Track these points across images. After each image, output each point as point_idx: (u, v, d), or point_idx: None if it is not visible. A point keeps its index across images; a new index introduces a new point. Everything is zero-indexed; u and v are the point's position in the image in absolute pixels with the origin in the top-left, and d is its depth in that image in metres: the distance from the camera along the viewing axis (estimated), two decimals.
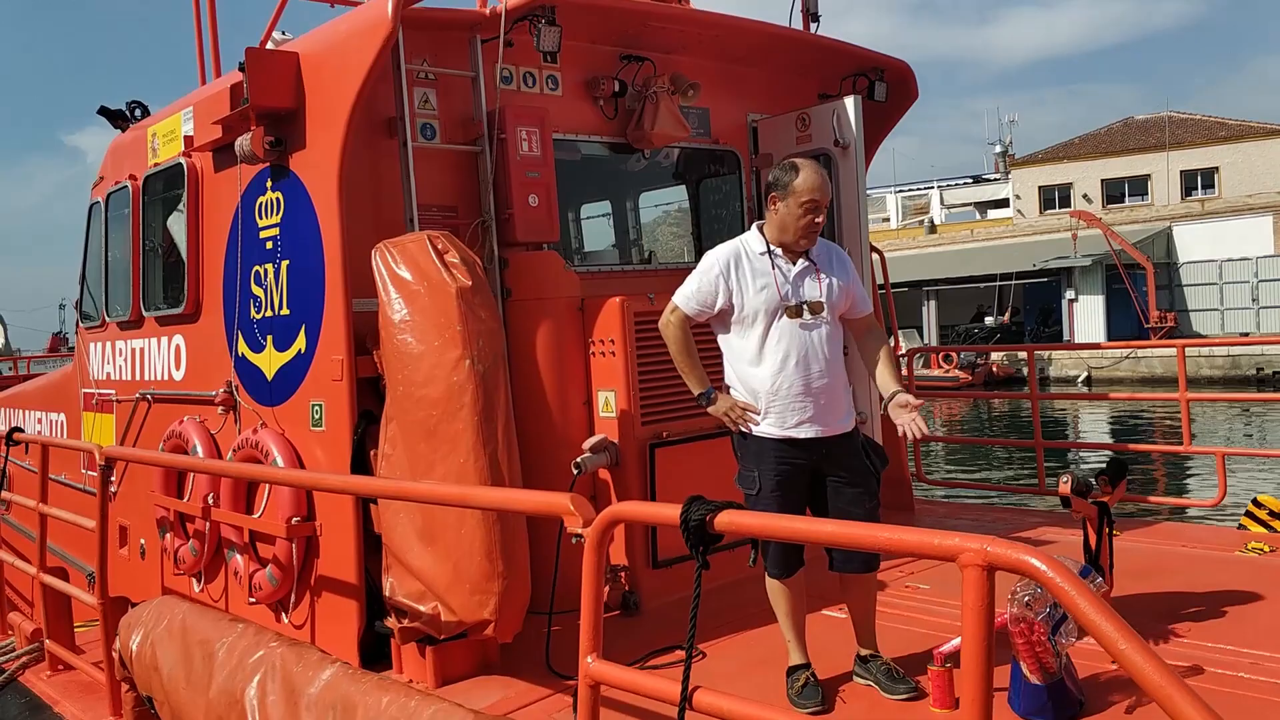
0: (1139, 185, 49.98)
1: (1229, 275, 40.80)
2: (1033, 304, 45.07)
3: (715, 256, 4.30)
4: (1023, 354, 39.72)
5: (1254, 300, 40.12)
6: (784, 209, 4.23)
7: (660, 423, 5.60)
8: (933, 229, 55.76)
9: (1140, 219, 45.18)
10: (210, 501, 5.89)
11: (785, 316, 4.17)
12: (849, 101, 6.53)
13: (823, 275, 4.24)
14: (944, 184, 63.98)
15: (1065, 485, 4.58)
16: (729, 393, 4.33)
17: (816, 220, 4.18)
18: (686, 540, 2.58)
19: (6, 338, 31.58)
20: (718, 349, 4.40)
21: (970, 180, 64.52)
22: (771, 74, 7.14)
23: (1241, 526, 7.30)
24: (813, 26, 7.06)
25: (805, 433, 4.17)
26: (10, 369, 16.86)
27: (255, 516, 5.64)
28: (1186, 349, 7.72)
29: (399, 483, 4.03)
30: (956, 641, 4.35)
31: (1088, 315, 41.27)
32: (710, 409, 4.31)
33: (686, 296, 4.32)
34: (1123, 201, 49.79)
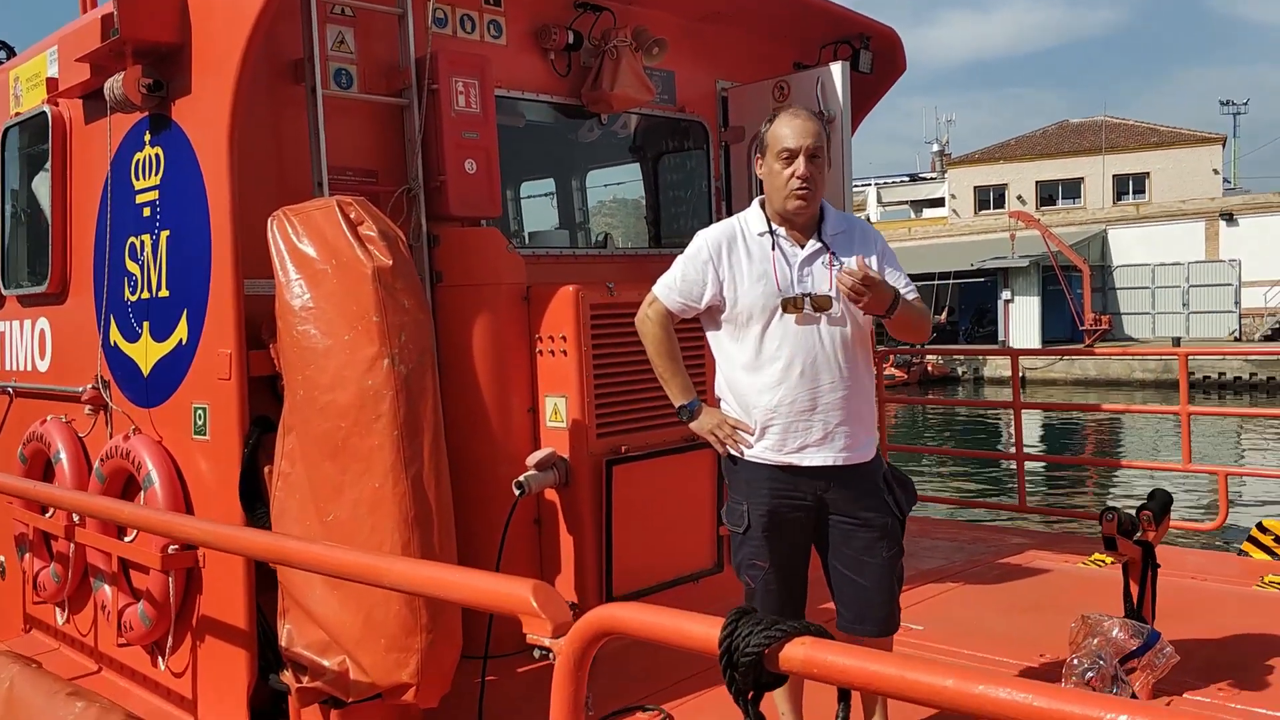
0: (1072, 188, 50.37)
1: (1161, 279, 41.15)
2: (968, 304, 45.04)
3: (705, 239, 3.45)
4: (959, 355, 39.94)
5: (1184, 305, 40.50)
6: (764, 170, 3.41)
7: (619, 435, 4.72)
8: None
9: (1075, 221, 45.48)
10: (75, 520, 4.90)
11: (784, 312, 3.33)
12: (836, 68, 5.70)
13: (837, 262, 3.38)
14: (880, 182, 63.94)
15: (1111, 524, 3.83)
16: (719, 406, 3.50)
17: (800, 174, 3.29)
18: (730, 685, 1.69)
19: None
20: (705, 351, 3.55)
21: (907, 179, 64.57)
22: (743, 36, 6.27)
23: (1242, 553, 6.71)
24: None
25: (810, 459, 3.33)
26: None
27: (127, 541, 4.66)
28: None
29: (282, 540, 3.03)
30: None
31: (1023, 316, 41.32)
32: (693, 425, 3.47)
33: (668, 287, 3.47)
34: (1055, 204, 50.15)
